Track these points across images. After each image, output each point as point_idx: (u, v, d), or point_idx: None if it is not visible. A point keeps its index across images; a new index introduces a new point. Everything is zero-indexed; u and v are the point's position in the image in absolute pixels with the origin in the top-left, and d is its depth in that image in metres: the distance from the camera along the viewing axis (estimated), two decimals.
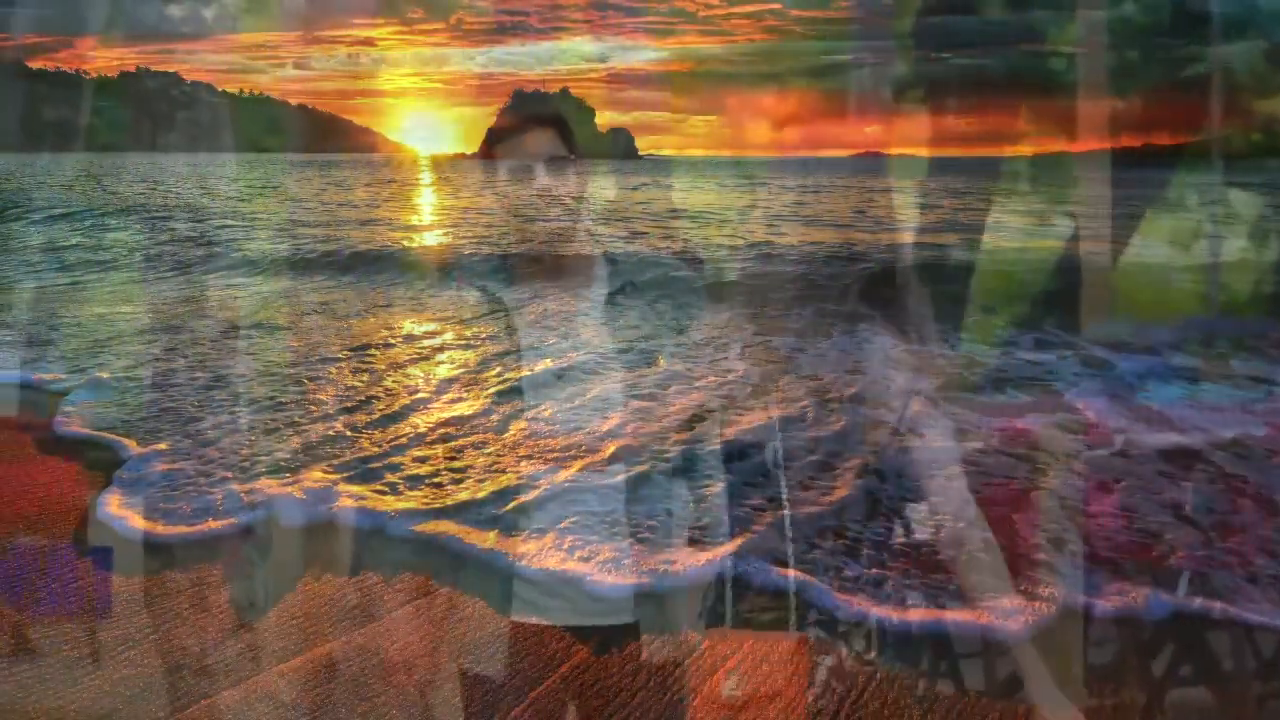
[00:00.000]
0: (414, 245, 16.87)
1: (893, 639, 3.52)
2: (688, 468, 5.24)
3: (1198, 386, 7.22)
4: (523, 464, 5.29)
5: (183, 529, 4.42)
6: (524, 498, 4.76)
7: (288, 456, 5.36)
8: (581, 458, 5.38)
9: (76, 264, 14.73)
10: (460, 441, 5.70)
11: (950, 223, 21.51)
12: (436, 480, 5.03)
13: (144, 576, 3.94)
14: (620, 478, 5.05)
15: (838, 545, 4.28)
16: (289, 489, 4.81)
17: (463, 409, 6.37)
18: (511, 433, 5.88)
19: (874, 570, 4.01)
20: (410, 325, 9.74)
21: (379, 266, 14.38)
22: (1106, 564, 4.06)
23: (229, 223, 20.83)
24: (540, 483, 4.97)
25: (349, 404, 6.45)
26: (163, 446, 5.51)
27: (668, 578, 3.95)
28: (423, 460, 5.35)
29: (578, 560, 4.09)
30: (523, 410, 6.36)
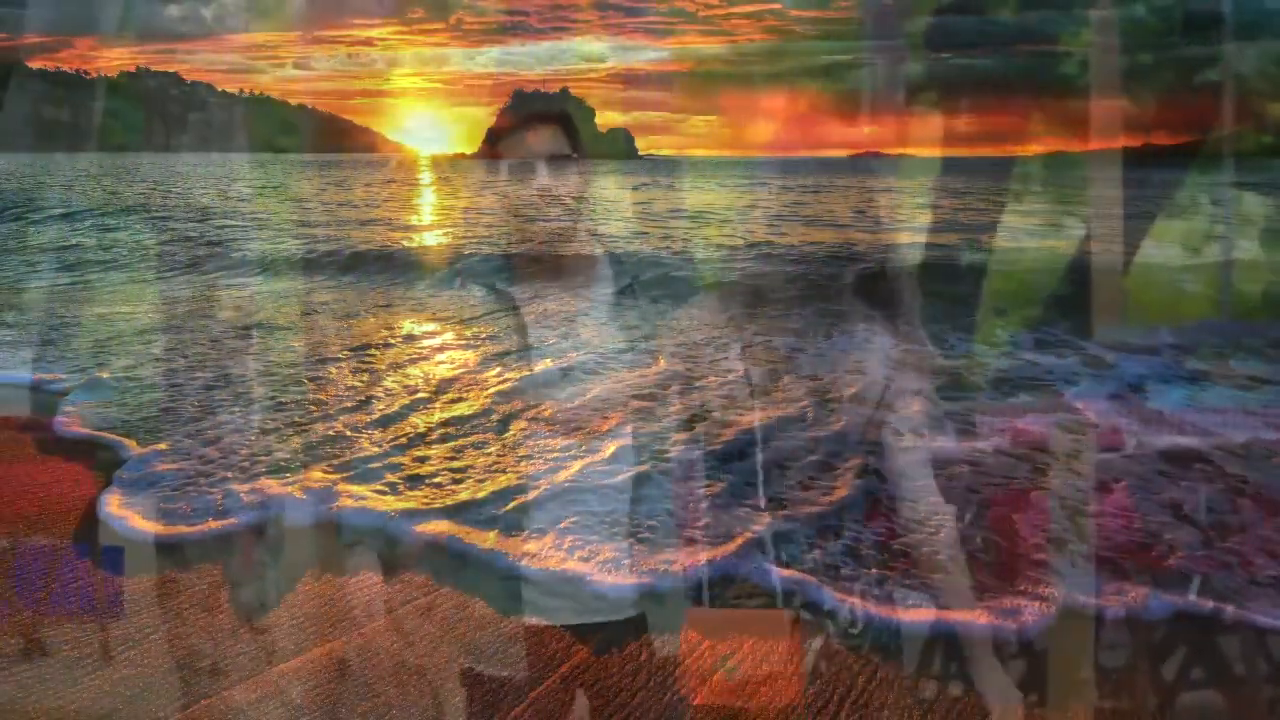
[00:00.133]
0: (414, 245, 16.88)
1: (893, 639, 3.52)
2: (688, 468, 5.24)
3: (1201, 388, 7.22)
4: (523, 464, 5.29)
5: (183, 529, 4.42)
6: (524, 498, 4.76)
7: (288, 456, 5.36)
8: (581, 458, 5.38)
9: (76, 264, 14.74)
10: (460, 441, 5.70)
11: (951, 223, 21.51)
12: (436, 480, 5.03)
13: (144, 576, 3.94)
14: (620, 478, 5.05)
15: (837, 545, 4.28)
16: (289, 489, 4.82)
17: (463, 409, 6.38)
18: (511, 433, 5.89)
19: (873, 570, 4.01)
20: (410, 325, 9.74)
21: (379, 266, 14.38)
22: (1105, 564, 4.06)
23: (229, 223, 20.84)
24: (540, 483, 4.97)
25: (349, 404, 6.45)
26: (163, 446, 5.52)
27: (668, 578, 3.95)
28: (423, 460, 5.35)
29: (578, 560, 4.09)
30: (523, 410, 6.37)
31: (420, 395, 6.69)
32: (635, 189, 40.57)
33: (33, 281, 12.96)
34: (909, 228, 20.80)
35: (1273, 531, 4.40)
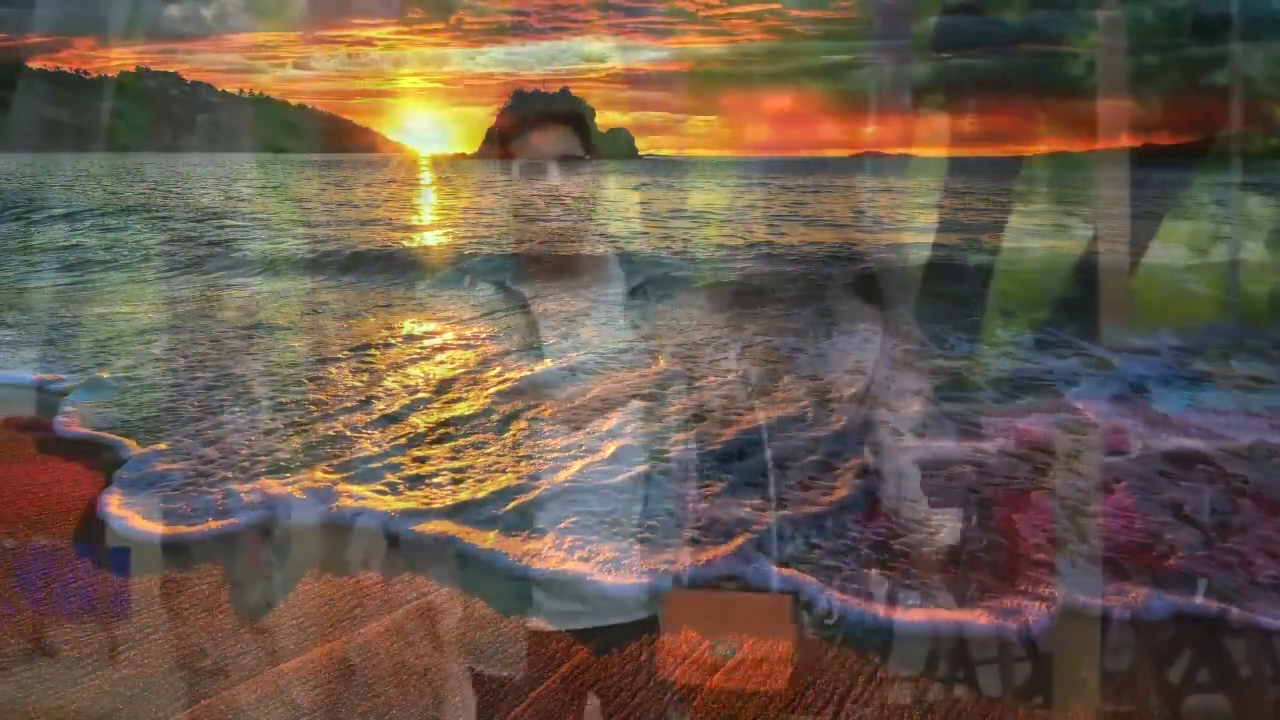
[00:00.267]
0: (417, 245, 16.87)
1: (892, 639, 3.52)
2: (688, 468, 5.24)
3: (1202, 389, 7.22)
4: (523, 464, 5.29)
5: (183, 529, 4.42)
6: (524, 498, 4.76)
7: (288, 456, 5.36)
8: (581, 458, 5.38)
9: (76, 264, 14.74)
10: (460, 441, 5.70)
11: (951, 223, 21.51)
12: (436, 480, 5.03)
13: (144, 576, 3.94)
14: (620, 478, 5.05)
15: (837, 545, 4.28)
16: (289, 489, 4.82)
17: (463, 409, 6.37)
18: (511, 433, 5.89)
19: (873, 570, 4.01)
20: (410, 325, 9.74)
21: (379, 266, 14.38)
22: (1106, 565, 4.06)
23: (229, 223, 20.83)
24: (540, 483, 4.97)
25: (349, 404, 6.45)
26: (163, 446, 5.52)
27: (668, 578, 3.95)
28: (423, 460, 5.35)
29: (578, 560, 4.09)
30: (523, 410, 6.37)
31: (420, 395, 6.69)
32: (636, 189, 40.58)
33: (33, 281, 12.96)
34: (909, 228, 20.80)
35: (1273, 532, 4.40)
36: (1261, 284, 11.62)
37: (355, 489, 4.86)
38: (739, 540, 4.26)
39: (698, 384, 7.14)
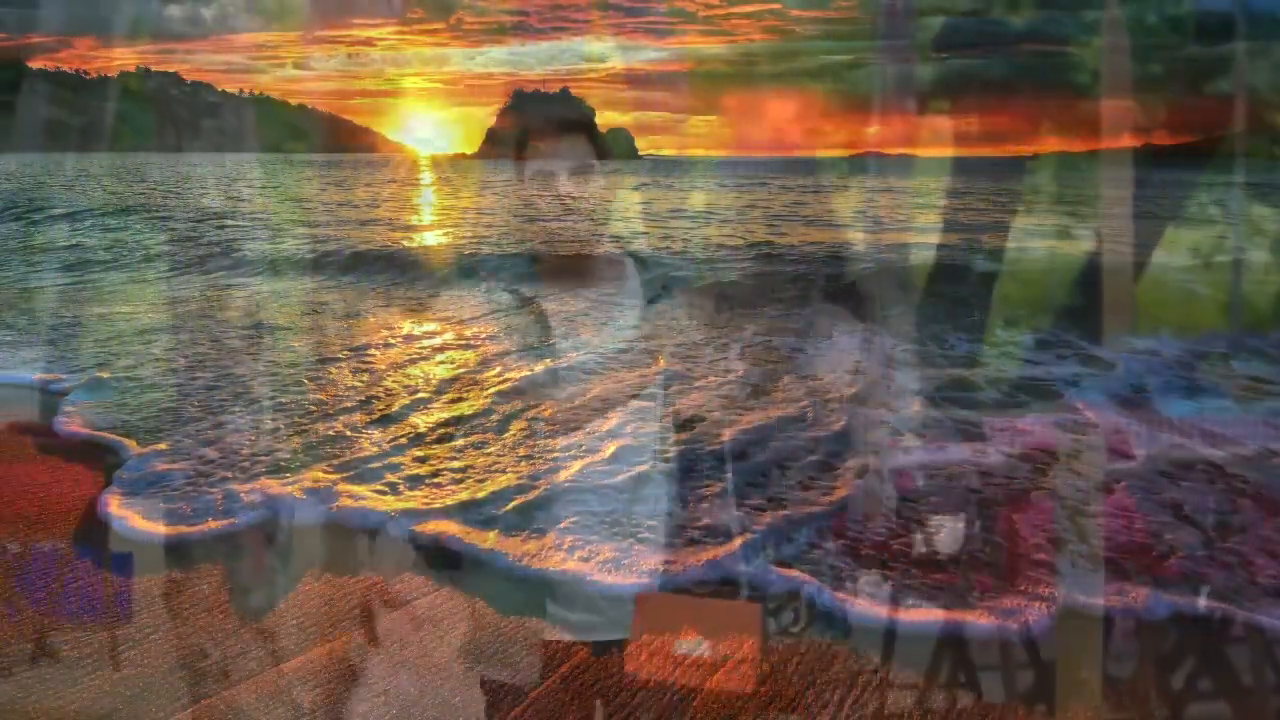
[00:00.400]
0: (415, 245, 16.87)
1: (892, 639, 3.51)
2: (688, 468, 5.24)
3: (1202, 390, 7.22)
4: (523, 464, 5.29)
5: (183, 529, 4.42)
6: (524, 498, 4.76)
7: (288, 456, 5.36)
8: (581, 458, 5.38)
9: (77, 264, 14.74)
10: (460, 441, 5.70)
11: (951, 223, 21.50)
12: (436, 480, 5.03)
13: (144, 576, 3.94)
14: (620, 478, 5.05)
15: (837, 545, 4.28)
16: (289, 489, 4.82)
17: (463, 409, 6.38)
18: (511, 433, 5.89)
19: (873, 571, 4.01)
20: (410, 325, 9.74)
21: (379, 266, 14.37)
22: (1107, 565, 4.06)
23: (229, 223, 20.83)
24: (540, 483, 4.97)
25: (349, 404, 6.45)
26: (163, 446, 5.52)
27: (668, 578, 3.95)
28: (423, 460, 5.35)
29: (578, 560, 4.09)
30: (523, 410, 6.37)
31: (420, 395, 6.69)
32: (636, 189, 40.60)
33: (34, 281, 12.96)
34: (909, 228, 20.79)
35: (1273, 532, 4.40)
36: (1262, 285, 11.62)
37: (355, 489, 4.86)
38: (739, 540, 4.26)
39: (698, 384, 7.14)
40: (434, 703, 3.11)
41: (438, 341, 8.86)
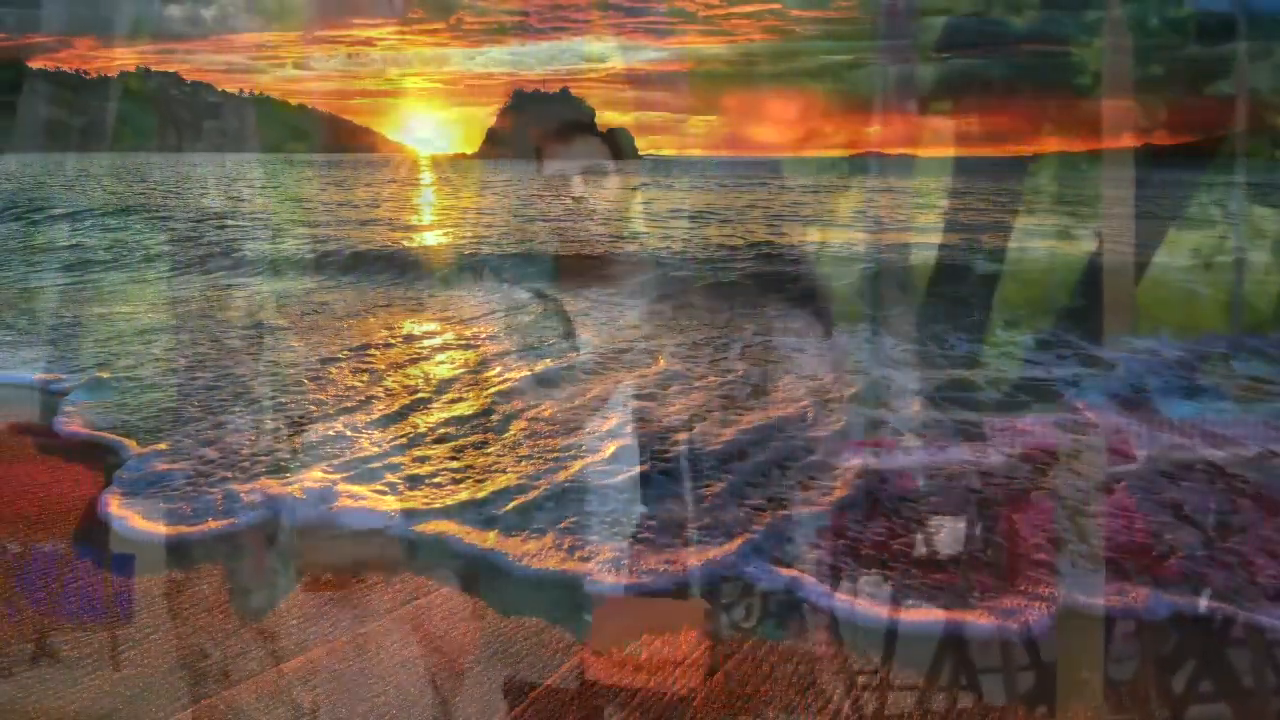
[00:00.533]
0: (416, 245, 16.87)
1: (892, 639, 3.51)
2: (688, 468, 5.24)
3: (1202, 390, 7.22)
4: (523, 464, 5.29)
5: (183, 529, 4.42)
6: (524, 498, 4.76)
7: (288, 456, 5.36)
8: (581, 458, 5.38)
9: (77, 264, 14.74)
10: (460, 441, 5.70)
11: (951, 223, 21.50)
12: (436, 480, 5.03)
13: (144, 576, 3.94)
14: (620, 478, 5.05)
15: (837, 545, 4.28)
16: (289, 489, 4.82)
17: (463, 409, 6.38)
18: (511, 433, 5.89)
19: (873, 571, 4.01)
20: (410, 325, 9.74)
21: (382, 266, 14.38)
22: (1107, 565, 4.06)
23: (229, 223, 20.83)
24: (540, 483, 4.97)
25: (349, 404, 6.45)
26: (163, 446, 5.52)
27: (667, 578, 3.95)
28: (423, 460, 5.35)
29: (578, 560, 4.09)
30: (523, 410, 6.37)
31: (420, 395, 6.70)
32: (636, 189, 40.60)
33: (34, 281, 12.96)
34: (909, 228, 20.78)
35: (1273, 532, 4.40)
36: (1262, 285, 11.61)
37: (355, 489, 4.86)
38: (739, 540, 4.26)
39: (698, 384, 7.14)
40: (434, 703, 3.11)
41: (438, 341, 8.86)
